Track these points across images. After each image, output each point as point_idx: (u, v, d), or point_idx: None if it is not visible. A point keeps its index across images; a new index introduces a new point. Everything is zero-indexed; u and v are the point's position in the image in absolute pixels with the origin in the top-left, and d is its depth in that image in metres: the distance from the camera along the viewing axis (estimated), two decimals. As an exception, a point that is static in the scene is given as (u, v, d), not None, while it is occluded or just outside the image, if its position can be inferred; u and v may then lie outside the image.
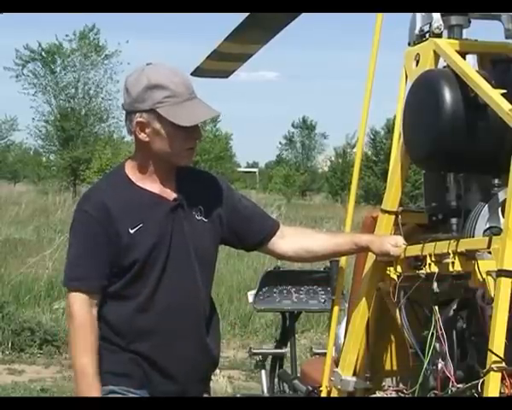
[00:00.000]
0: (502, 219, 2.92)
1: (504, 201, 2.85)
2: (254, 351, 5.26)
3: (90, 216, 3.03)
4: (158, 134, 3.04)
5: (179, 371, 3.08)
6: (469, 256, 2.88)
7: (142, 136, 3.05)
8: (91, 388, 2.97)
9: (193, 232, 3.10)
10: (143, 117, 3.03)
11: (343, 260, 3.75)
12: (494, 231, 2.90)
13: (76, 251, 3.07)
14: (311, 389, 4.45)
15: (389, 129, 45.40)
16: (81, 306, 3.00)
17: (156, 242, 3.04)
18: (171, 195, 3.11)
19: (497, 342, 2.68)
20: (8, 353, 9.13)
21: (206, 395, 3.24)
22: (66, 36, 41.99)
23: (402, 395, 3.29)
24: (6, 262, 12.51)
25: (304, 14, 3.96)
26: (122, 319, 3.05)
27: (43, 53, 42.12)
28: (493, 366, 2.68)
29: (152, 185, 3.10)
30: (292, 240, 3.30)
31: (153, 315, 3.05)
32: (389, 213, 3.31)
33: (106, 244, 3.01)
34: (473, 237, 2.98)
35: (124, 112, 3.13)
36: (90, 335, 2.99)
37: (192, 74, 4.66)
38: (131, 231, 3.02)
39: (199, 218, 3.14)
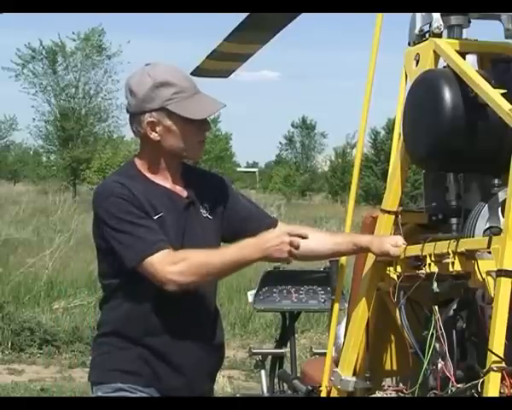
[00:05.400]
0: (502, 219, 2.92)
1: (504, 201, 2.85)
2: (254, 351, 5.26)
3: (123, 194, 3.00)
4: (170, 131, 3.06)
5: (187, 366, 3.09)
6: (469, 256, 2.87)
7: (154, 135, 3.07)
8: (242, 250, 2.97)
9: (202, 231, 3.12)
10: (153, 116, 3.05)
11: (343, 260, 3.75)
12: (494, 231, 2.90)
13: (133, 226, 2.97)
14: (310, 389, 4.46)
15: (390, 129, 45.41)
16: (173, 252, 2.95)
17: (172, 236, 3.04)
18: (182, 192, 3.14)
19: (497, 342, 2.68)
20: (8, 353, 9.14)
21: (210, 391, 3.27)
22: (73, 33, 42.06)
23: (402, 395, 3.29)
24: (6, 262, 12.51)
25: (304, 14, 3.96)
26: (134, 314, 3.06)
27: (43, 52, 42.14)
28: (493, 366, 2.68)
29: (164, 182, 3.12)
30: (291, 239, 3.30)
31: (164, 312, 3.05)
32: (389, 213, 3.31)
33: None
34: (473, 237, 2.97)
35: (128, 114, 3.13)
36: (199, 251, 2.96)
37: (192, 74, 4.66)
38: (154, 218, 3.03)
39: (205, 215, 3.17)
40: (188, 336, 3.09)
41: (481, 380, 2.72)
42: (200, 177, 3.27)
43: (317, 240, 3.32)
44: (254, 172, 76.98)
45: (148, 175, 3.12)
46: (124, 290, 3.07)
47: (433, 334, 3.01)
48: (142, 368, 3.07)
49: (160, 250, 2.94)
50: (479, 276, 2.81)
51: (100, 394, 3.11)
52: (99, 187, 3.18)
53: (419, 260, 3.07)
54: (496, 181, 3.03)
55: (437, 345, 3.02)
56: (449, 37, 3.26)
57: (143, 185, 3.08)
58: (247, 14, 4.08)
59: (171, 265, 2.92)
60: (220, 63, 4.72)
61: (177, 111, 3.03)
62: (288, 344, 5.24)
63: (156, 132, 3.06)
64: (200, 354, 3.12)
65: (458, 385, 2.92)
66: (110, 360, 3.10)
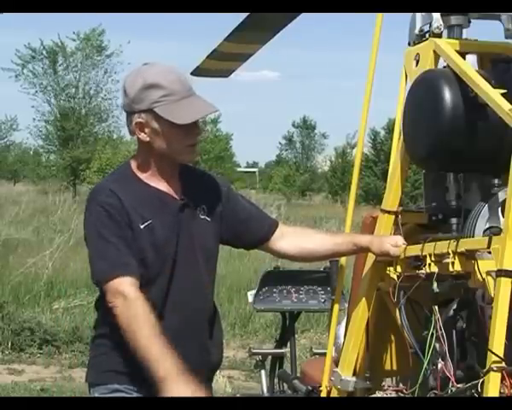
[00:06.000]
0: (502, 219, 2.92)
1: (504, 201, 2.85)
2: (254, 351, 5.26)
3: (107, 204, 3.00)
4: (157, 133, 3.04)
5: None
6: (469, 256, 2.88)
7: (143, 136, 3.06)
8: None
9: (198, 232, 3.11)
10: (142, 117, 3.04)
11: (343, 260, 3.75)
12: (494, 231, 2.90)
13: (103, 242, 2.98)
14: (310, 389, 4.46)
15: (390, 129, 45.36)
16: (131, 287, 2.92)
17: (164, 241, 3.03)
18: (177, 194, 3.13)
19: (497, 342, 2.68)
20: (8, 353, 9.14)
21: (209, 392, 3.24)
22: (73, 33, 42.07)
23: (402, 395, 3.29)
24: (6, 262, 12.51)
25: (304, 14, 3.96)
26: None
27: (44, 52, 42.16)
28: (493, 366, 2.67)
29: (158, 183, 3.11)
30: (291, 239, 3.30)
31: (159, 313, 3.03)
32: (389, 213, 3.31)
33: (128, 231, 3.00)
34: (473, 237, 2.97)
35: (124, 113, 3.14)
36: (150, 317, 2.91)
37: (192, 74, 4.67)
38: (141, 227, 3.01)
39: (203, 217, 3.15)
40: (185, 337, 3.07)
41: (481, 380, 2.72)
42: (199, 178, 3.25)
43: (317, 241, 3.32)
44: (254, 172, 76.98)
45: (142, 177, 3.11)
46: None
47: (433, 334, 3.01)
48: (138, 369, 3.04)
49: (117, 277, 2.93)
50: (479, 276, 2.81)
51: (97, 395, 3.11)
52: (93, 188, 3.20)
53: (419, 260, 3.07)
54: (496, 181, 3.03)
55: (437, 345, 3.02)
56: (449, 37, 3.26)
57: (136, 188, 3.07)
58: (247, 14, 4.08)
59: (119, 297, 2.91)
60: (220, 63, 4.72)
61: (164, 115, 3.01)
62: (288, 344, 5.24)
63: (145, 133, 3.05)
64: (197, 356, 3.11)
65: (458, 385, 2.92)
66: (106, 361, 3.10)
